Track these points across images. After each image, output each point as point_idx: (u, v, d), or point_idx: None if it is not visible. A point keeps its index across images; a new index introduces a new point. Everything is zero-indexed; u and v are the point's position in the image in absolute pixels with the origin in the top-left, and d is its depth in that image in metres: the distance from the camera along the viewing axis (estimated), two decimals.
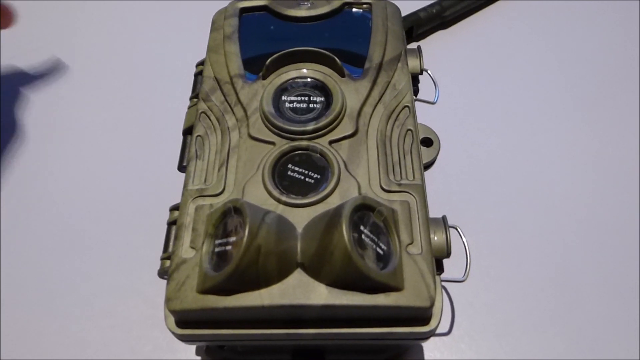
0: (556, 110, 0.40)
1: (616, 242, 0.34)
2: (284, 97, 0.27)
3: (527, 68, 0.43)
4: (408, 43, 0.44)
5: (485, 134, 0.39)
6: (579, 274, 0.33)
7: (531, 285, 0.32)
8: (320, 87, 0.27)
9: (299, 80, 0.28)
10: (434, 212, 0.28)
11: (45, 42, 0.45)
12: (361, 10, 0.31)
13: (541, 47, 0.44)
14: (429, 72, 0.32)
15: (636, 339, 0.30)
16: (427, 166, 0.29)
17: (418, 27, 0.43)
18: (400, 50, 0.29)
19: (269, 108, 0.26)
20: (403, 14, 0.42)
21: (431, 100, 0.32)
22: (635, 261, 0.33)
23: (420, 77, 0.32)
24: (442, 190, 0.35)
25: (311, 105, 0.27)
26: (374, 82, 0.28)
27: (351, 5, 0.32)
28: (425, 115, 0.34)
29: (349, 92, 0.27)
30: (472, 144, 0.38)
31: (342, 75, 0.28)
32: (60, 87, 0.42)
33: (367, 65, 0.28)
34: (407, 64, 0.29)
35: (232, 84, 0.28)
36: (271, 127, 0.26)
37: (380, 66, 0.28)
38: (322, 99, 0.27)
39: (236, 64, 0.29)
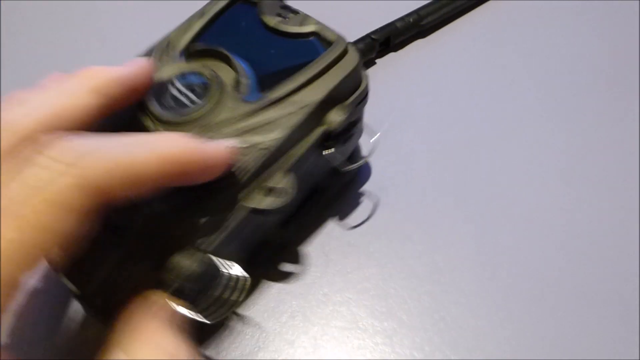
0: (534, 122, 0.41)
1: (581, 258, 0.35)
2: (177, 83, 0.28)
3: (508, 74, 0.43)
4: (386, 53, 0.45)
5: (468, 145, 0.39)
6: (542, 288, 0.34)
7: (496, 299, 0.34)
8: (208, 90, 0.27)
9: (197, 73, 0.28)
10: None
11: (30, 45, 0.46)
12: (323, 46, 0.30)
13: (525, 54, 0.44)
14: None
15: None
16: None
17: (395, 37, 0.44)
18: (312, 101, 0.28)
19: (154, 87, 0.27)
20: (382, 24, 0.43)
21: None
22: (608, 269, 0.34)
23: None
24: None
25: (189, 102, 0.27)
26: (252, 113, 0.27)
27: (319, 36, 0.31)
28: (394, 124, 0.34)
29: (225, 107, 0.27)
30: (442, 162, 0.39)
31: (237, 90, 0.28)
32: None
33: (265, 93, 0.28)
34: (315, 117, 0.28)
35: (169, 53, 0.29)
36: (146, 110, 0.27)
37: (274, 102, 0.27)
38: (201, 101, 0.27)
39: (185, 39, 0.29)
